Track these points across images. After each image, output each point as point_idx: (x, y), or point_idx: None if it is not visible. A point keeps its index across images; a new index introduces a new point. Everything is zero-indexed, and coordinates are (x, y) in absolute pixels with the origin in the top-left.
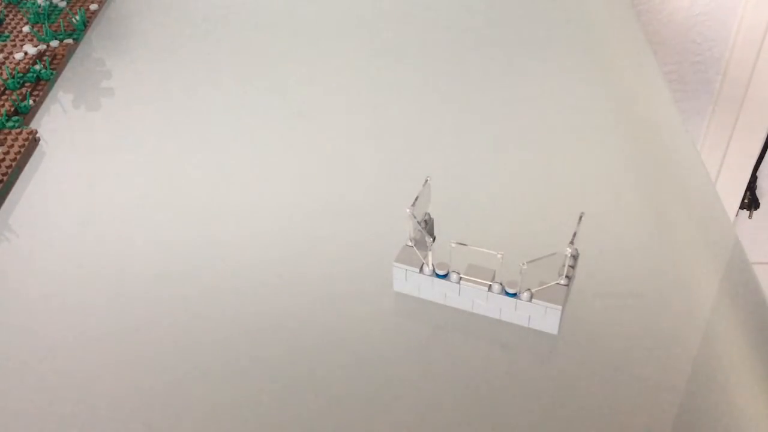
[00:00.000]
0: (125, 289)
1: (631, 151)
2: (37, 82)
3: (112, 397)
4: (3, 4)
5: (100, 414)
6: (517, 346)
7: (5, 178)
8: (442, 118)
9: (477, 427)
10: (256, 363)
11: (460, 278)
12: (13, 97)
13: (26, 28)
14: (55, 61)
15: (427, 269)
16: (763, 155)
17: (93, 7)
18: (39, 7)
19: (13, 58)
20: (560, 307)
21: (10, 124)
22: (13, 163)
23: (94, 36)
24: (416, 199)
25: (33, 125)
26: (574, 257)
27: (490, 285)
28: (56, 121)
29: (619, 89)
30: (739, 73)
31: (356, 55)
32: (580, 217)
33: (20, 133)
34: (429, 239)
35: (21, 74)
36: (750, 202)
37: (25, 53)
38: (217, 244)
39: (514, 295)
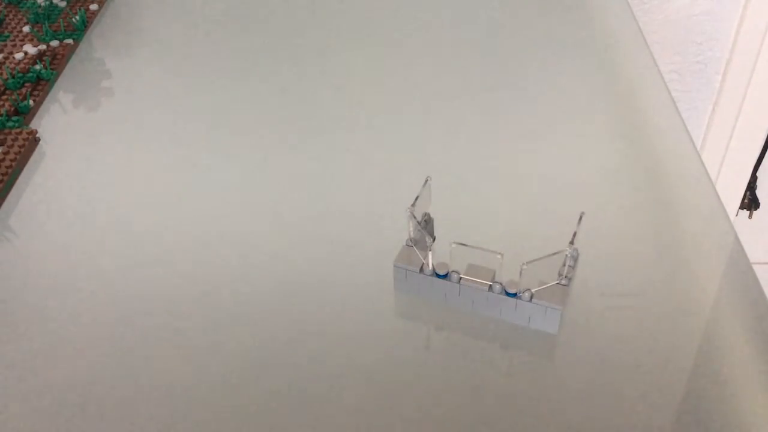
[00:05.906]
0: (125, 290)
1: (631, 151)
2: (37, 82)
3: (113, 397)
4: (3, 4)
5: (101, 414)
6: (517, 346)
7: (5, 178)
8: (442, 118)
9: (477, 428)
10: (256, 363)
11: (460, 278)
12: (13, 97)
13: (26, 28)
14: (55, 61)
15: (427, 269)
16: (763, 155)
17: (93, 7)
18: (39, 7)
19: (13, 58)
20: (560, 307)
21: (10, 124)
22: (13, 163)
23: (94, 36)
24: (416, 199)
25: (33, 125)
26: (574, 257)
27: (491, 285)
28: (56, 121)
29: (619, 89)
30: (739, 73)
31: (357, 54)
32: (580, 217)
33: (20, 133)
34: (429, 239)
35: (21, 74)
36: (750, 202)
37: (25, 53)
38: (217, 245)
39: (514, 295)
